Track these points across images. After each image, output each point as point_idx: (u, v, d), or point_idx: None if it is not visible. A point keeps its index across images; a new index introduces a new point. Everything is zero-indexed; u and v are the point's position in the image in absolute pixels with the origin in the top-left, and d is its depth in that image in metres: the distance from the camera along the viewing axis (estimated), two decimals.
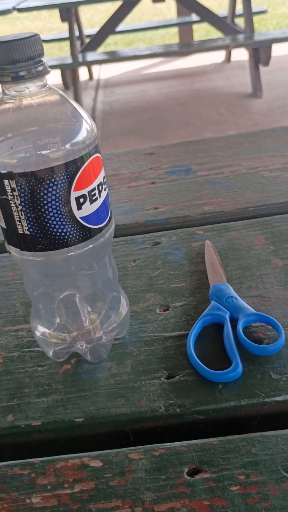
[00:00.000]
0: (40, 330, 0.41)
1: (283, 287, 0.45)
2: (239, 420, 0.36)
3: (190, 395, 0.37)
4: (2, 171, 0.31)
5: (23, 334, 0.45)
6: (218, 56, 4.50)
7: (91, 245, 0.35)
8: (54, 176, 0.31)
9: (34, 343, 0.43)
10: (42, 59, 0.31)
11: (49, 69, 0.32)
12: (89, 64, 4.03)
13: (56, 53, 6.30)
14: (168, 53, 3.43)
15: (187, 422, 0.36)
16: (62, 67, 3.44)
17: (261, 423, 0.36)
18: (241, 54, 4.06)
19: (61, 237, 0.33)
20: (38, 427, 0.36)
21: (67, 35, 3.66)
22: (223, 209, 0.59)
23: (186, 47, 3.45)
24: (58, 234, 0.33)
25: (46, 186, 0.31)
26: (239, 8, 3.62)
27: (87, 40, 3.98)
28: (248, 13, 3.24)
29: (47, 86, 0.33)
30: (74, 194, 0.32)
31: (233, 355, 0.38)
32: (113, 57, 3.55)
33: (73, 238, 0.34)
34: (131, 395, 0.37)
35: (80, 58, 3.48)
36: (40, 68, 0.31)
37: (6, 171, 0.31)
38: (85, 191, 0.33)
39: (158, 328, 0.43)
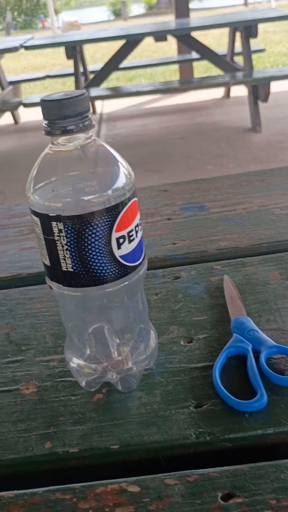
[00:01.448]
0: (75, 361, 0.43)
1: None
2: (266, 447, 0.38)
3: (219, 423, 0.39)
4: (51, 214, 0.34)
5: (54, 365, 0.47)
6: (218, 92, 4.64)
7: (127, 282, 0.38)
8: (99, 219, 0.34)
9: (65, 373, 0.46)
10: (88, 114, 0.35)
11: (94, 123, 0.36)
12: (93, 100, 4.15)
13: (60, 88, 6.48)
14: (169, 89, 3.54)
15: (216, 449, 0.38)
16: None
17: (287, 450, 0.38)
18: (240, 90, 4.20)
19: (101, 274, 0.36)
20: (76, 454, 0.38)
21: (71, 70, 3.79)
22: (238, 245, 0.62)
23: (187, 84, 3.57)
24: (98, 271, 0.36)
25: (91, 228, 0.34)
26: (238, 46, 3.76)
27: (90, 76, 4.12)
28: (247, 52, 3.37)
29: (92, 138, 0.36)
30: (115, 235, 0.35)
31: (258, 385, 0.40)
32: (116, 93, 3.67)
33: (112, 275, 0.36)
34: (162, 423, 0.39)
35: None
36: (87, 123, 0.35)
37: (55, 214, 0.34)
38: (124, 232, 0.36)
39: (183, 359, 0.45)
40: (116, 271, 0.37)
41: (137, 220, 0.37)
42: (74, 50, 3.61)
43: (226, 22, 3.41)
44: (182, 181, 0.83)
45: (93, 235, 0.34)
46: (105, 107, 5.01)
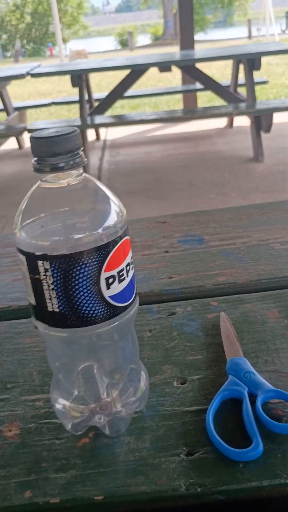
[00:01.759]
0: (60, 402, 0.41)
1: None
2: (261, 500, 0.36)
3: (211, 474, 0.37)
4: (37, 253, 0.33)
5: (40, 405, 0.45)
6: (221, 122, 4.70)
7: (117, 323, 0.36)
8: (87, 258, 0.33)
9: (51, 414, 0.44)
10: (80, 151, 0.34)
11: (85, 159, 0.35)
12: (97, 127, 4.21)
13: (65, 114, 6.59)
14: (173, 118, 3.59)
15: (208, 502, 0.35)
16: None
17: (284, 503, 0.35)
18: (243, 120, 4.25)
19: (89, 315, 0.35)
20: (56, 505, 0.36)
21: (77, 98, 3.85)
22: (236, 281, 0.61)
23: (190, 113, 3.62)
24: (86, 312, 0.34)
25: (79, 268, 0.33)
26: (242, 77, 3.83)
27: (95, 103, 4.18)
28: (250, 84, 3.43)
29: (83, 174, 0.35)
30: (104, 275, 0.34)
31: (253, 433, 0.38)
32: (120, 121, 3.72)
33: (100, 316, 0.35)
34: (151, 472, 0.37)
35: (88, 121, 3.64)
36: (77, 160, 0.34)
37: (41, 253, 0.33)
38: (114, 272, 0.34)
39: (176, 402, 0.43)
40: (105, 311, 0.35)
41: (128, 259, 0.36)
42: (79, 78, 3.67)
43: (229, 55, 3.48)
44: (181, 212, 0.83)
45: (81, 275, 0.33)
46: (109, 133, 5.08)
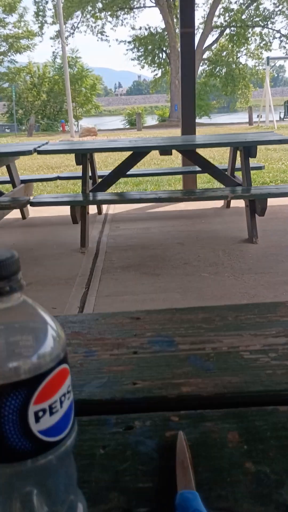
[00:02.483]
0: None
1: (253, 501, 0.42)
2: None
3: None
4: None
5: None
6: (218, 202, 4.84)
7: (50, 457, 0.34)
8: (14, 390, 0.31)
9: None
10: (17, 276, 0.34)
11: (24, 283, 0.34)
12: (98, 203, 4.33)
13: (71, 188, 6.81)
14: (171, 198, 3.70)
15: None
16: (72, 203, 3.68)
17: None
18: (239, 202, 4.38)
19: (14, 451, 0.32)
20: None
21: (80, 174, 3.98)
22: (201, 393, 0.58)
23: (189, 194, 3.73)
24: (11, 447, 0.32)
25: (4, 400, 0.31)
26: (239, 161, 3.99)
27: (99, 180, 4.33)
28: (246, 169, 3.56)
29: (21, 298, 0.34)
30: (33, 408, 0.32)
31: None
32: (121, 198, 3.83)
33: (27, 452, 0.33)
34: None
35: (90, 197, 3.74)
36: (14, 286, 0.33)
37: None
38: (45, 405, 0.33)
39: None
40: (34, 447, 0.33)
41: (64, 389, 0.34)
42: (84, 157, 3.83)
43: (227, 142, 3.65)
44: (155, 309, 0.82)
45: (6, 407, 0.31)
46: (111, 208, 5.21)
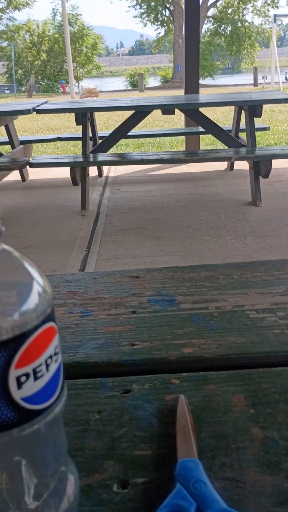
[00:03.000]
0: None
1: (260, 470, 0.39)
2: None
3: None
4: None
5: None
6: (221, 164, 4.73)
7: (36, 426, 0.30)
8: None
9: None
10: None
11: (3, 229, 0.29)
12: (98, 165, 4.24)
13: (71, 149, 6.67)
14: (174, 160, 3.60)
15: None
16: (72, 165, 3.59)
17: None
18: (243, 164, 4.28)
19: None
20: None
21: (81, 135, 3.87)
22: (203, 354, 0.54)
23: (191, 155, 3.63)
24: None
25: None
26: (244, 121, 3.87)
27: (100, 141, 4.21)
28: (251, 130, 3.45)
29: (1, 246, 0.30)
30: (14, 373, 0.28)
31: None
32: (122, 159, 3.73)
33: (10, 422, 0.29)
34: None
35: (91, 158, 3.65)
36: None
37: None
38: (28, 369, 0.28)
39: None
40: (17, 416, 0.29)
41: (50, 350, 0.30)
42: (84, 116, 3.71)
43: (231, 101, 3.52)
44: (155, 267, 0.77)
45: None
46: (111, 171, 5.11)
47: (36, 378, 0.29)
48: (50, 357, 0.30)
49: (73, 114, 3.82)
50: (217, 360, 0.54)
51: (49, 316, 0.30)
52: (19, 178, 4.89)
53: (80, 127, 3.76)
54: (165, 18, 30.23)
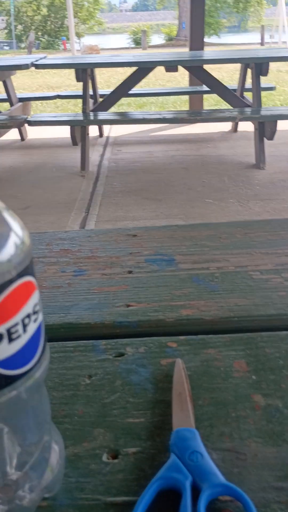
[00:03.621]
0: None
1: (262, 441, 0.36)
2: None
3: None
4: None
5: None
6: (225, 126, 4.60)
7: (14, 392, 0.27)
8: None
9: None
10: None
11: None
12: (99, 123, 4.11)
13: (71, 108, 6.49)
14: (176, 119, 3.49)
15: None
16: (72, 123, 3.48)
17: None
18: (248, 126, 4.15)
19: None
20: None
21: (81, 93, 3.74)
22: (203, 316, 0.51)
23: (195, 115, 3.52)
24: None
25: None
26: (249, 81, 3.73)
27: (101, 99, 4.08)
28: (257, 89, 3.33)
29: None
30: None
31: None
32: (123, 118, 3.62)
33: None
34: None
35: (91, 117, 3.54)
36: None
37: None
38: (1, 329, 0.25)
39: (99, 487, 0.33)
40: None
41: (28, 309, 0.26)
42: (84, 73, 3.57)
43: (237, 58, 3.38)
44: (154, 226, 0.73)
45: None
46: (112, 131, 4.98)
47: (11, 340, 0.25)
48: (28, 316, 0.26)
49: (74, 71, 3.68)
50: (217, 323, 0.50)
51: (27, 269, 0.26)
52: (18, 137, 4.76)
53: (81, 85, 3.62)
54: None
